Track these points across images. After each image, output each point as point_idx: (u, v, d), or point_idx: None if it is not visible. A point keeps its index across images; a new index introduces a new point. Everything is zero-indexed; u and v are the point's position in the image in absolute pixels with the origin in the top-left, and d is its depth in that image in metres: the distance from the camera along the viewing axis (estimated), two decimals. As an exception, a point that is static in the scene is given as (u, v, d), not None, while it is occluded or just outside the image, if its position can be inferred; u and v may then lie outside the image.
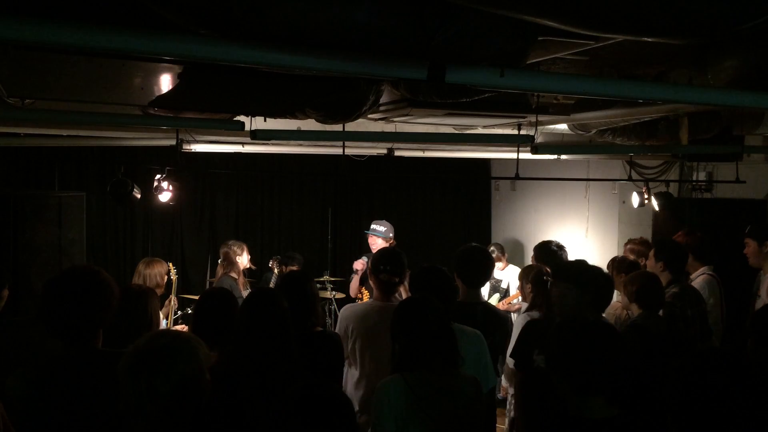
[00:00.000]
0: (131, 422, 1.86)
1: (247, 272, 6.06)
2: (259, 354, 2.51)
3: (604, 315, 3.55)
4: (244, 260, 5.72)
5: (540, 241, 4.91)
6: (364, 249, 6.40)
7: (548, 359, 2.14)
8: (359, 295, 5.51)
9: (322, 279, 7.01)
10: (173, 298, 5.40)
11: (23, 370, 2.20)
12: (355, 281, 5.53)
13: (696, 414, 1.79)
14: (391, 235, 5.64)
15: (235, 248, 5.64)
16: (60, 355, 2.23)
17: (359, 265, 5.52)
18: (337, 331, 3.48)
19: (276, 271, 6.37)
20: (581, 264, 3.24)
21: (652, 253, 4.35)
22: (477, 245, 3.90)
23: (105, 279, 2.30)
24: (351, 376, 3.47)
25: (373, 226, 5.68)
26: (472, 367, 2.80)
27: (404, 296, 4.16)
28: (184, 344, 1.90)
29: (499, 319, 3.61)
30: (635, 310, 3.68)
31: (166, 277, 4.76)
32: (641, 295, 3.63)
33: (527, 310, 3.97)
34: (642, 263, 4.69)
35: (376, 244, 5.57)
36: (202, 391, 1.90)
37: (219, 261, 5.69)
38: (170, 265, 5.84)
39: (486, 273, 3.68)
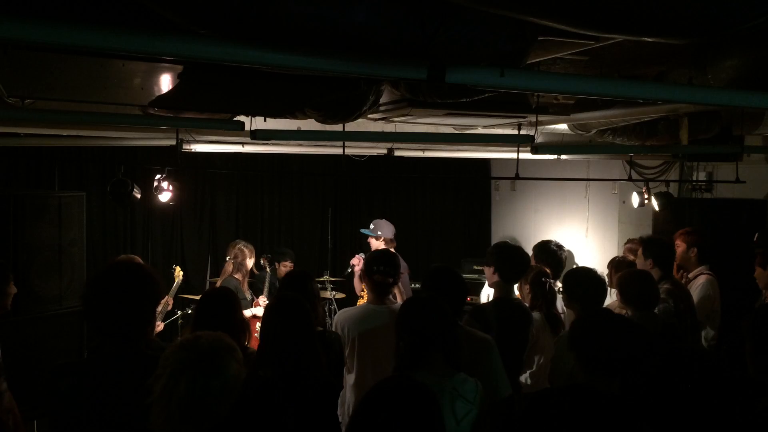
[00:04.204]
0: (157, 421, 1.85)
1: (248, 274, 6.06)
2: (288, 360, 2.55)
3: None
4: (250, 263, 5.72)
5: (539, 241, 4.91)
6: (364, 249, 6.40)
7: (570, 339, 2.39)
8: (362, 293, 5.51)
9: (322, 279, 6.99)
10: (169, 300, 5.40)
11: (65, 363, 2.20)
12: (357, 279, 5.54)
13: (667, 413, 1.79)
14: (380, 233, 5.62)
15: (246, 250, 5.64)
16: (103, 352, 2.20)
17: (355, 260, 5.53)
18: None
19: (268, 269, 6.33)
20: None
21: (640, 251, 4.38)
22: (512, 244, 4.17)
23: (151, 273, 2.29)
24: (348, 380, 3.46)
25: (371, 226, 5.73)
26: (482, 374, 2.80)
27: (398, 298, 4.17)
28: (232, 344, 1.96)
29: (530, 315, 3.73)
30: (632, 310, 3.68)
31: None
32: (636, 296, 3.63)
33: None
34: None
35: (372, 243, 5.61)
36: (238, 391, 1.95)
37: (228, 258, 5.69)
38: (177, 268, 5.86)
39: (524, 271, 3.87)
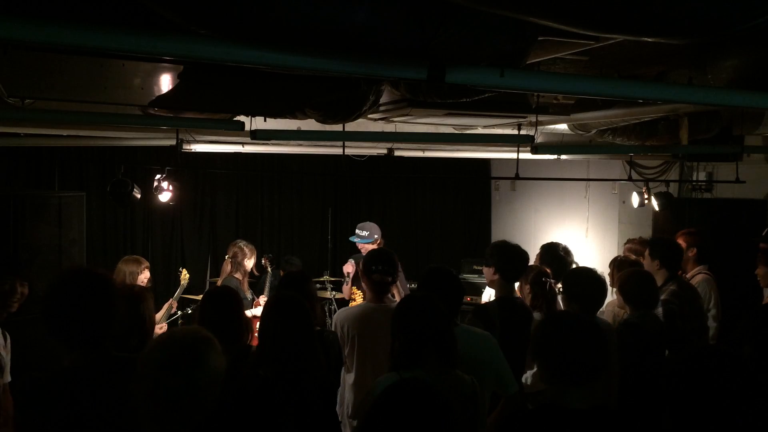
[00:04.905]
0: (147, 421, 1.84)
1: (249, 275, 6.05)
2: (287, 359, 2.55)
3: (601, 313, 3.59)
4: (250, 263, 5.71)
5: (541, 241, 4.86)
6: (354, 253, 6.30)
7: (531, 349, 2.20)
8: (352, 296, 5.48)
9: (322, 279, 7.00)
10: (173, 303, 5.39)
11: (36, 377, 2.12)
12: (346, 285, 5.49)
13: (694, 411, 1.79)
14: (376, 236, 5.53)
15: (246, 250, 5.62)
16: (75, 363, 2.13)
17: (349, 267, 5.44)
18: None
19: (270, 269, 6.32)
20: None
21: (647, 252, 4.36)
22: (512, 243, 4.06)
23: (109, 279, 2.27)
24: (347, 380, 3.45)
25: (357, 232, 5.56)
26: (484, 370, 2.79)
27: (396, 296, 4.17)
28: (208, 336, 1.95)
29: (532, 315, 3.72)
30: (630, 309, 3.68)
31: (140, 275, 4.70)
32: (634, 295, 3.63)
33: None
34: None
35: (365, 248, 5.49)
36: (222, 381, 1.93)
37: (226, 257, 5.68)
38: (183, 270, 5.85)
39: (524, 268, 3.81)
